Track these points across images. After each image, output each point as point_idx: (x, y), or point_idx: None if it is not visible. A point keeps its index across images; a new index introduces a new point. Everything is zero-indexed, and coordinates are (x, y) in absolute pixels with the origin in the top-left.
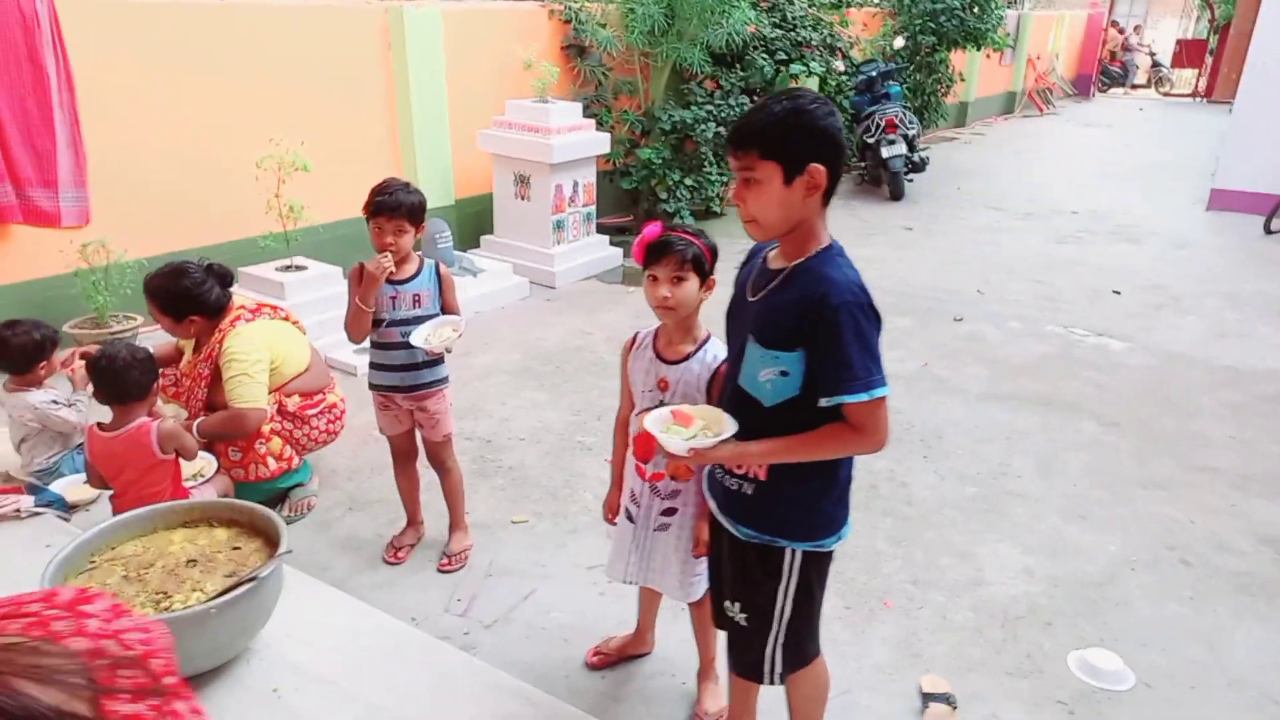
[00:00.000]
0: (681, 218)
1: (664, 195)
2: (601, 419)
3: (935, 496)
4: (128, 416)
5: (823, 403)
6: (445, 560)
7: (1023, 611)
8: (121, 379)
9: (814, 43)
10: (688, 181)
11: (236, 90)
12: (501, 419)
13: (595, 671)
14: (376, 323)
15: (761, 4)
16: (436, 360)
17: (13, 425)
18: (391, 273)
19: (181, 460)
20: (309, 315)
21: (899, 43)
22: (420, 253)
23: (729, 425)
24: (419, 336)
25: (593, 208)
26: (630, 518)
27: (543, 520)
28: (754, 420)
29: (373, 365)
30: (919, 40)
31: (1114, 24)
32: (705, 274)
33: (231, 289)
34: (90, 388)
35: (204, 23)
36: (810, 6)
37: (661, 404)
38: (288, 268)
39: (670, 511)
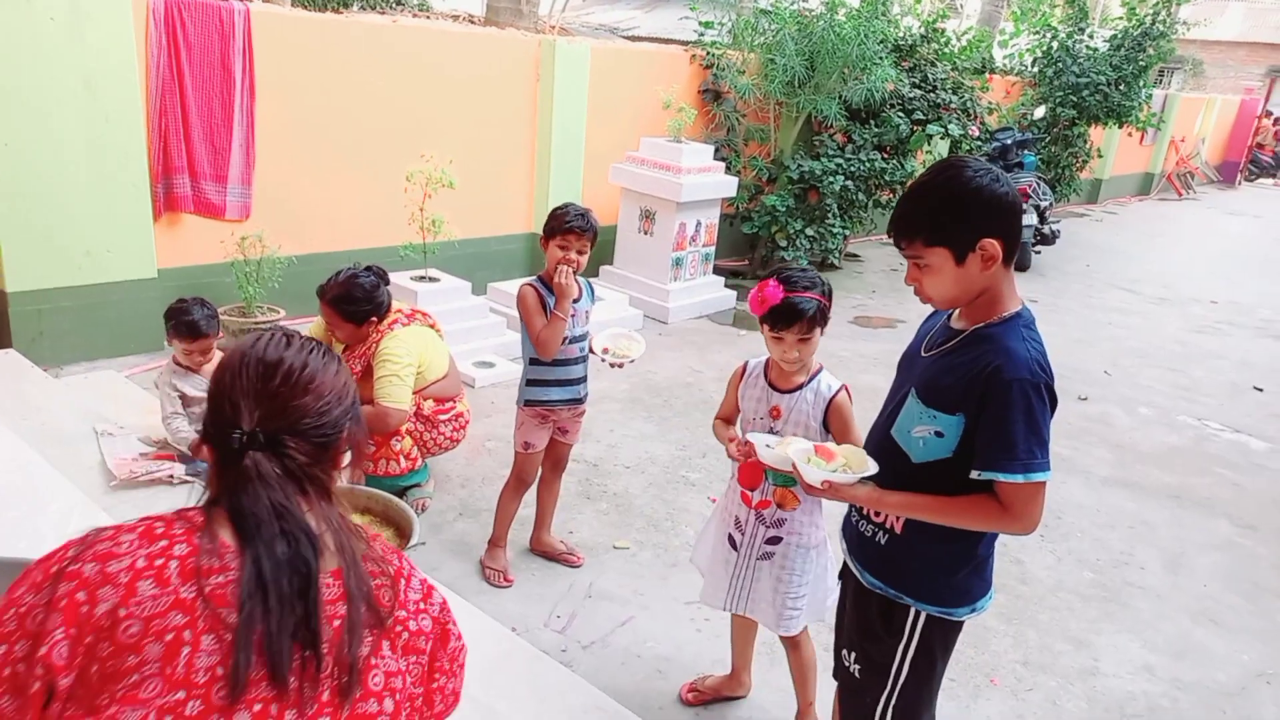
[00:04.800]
0: None
1: (783, 243)
2: (706, 456)
3: (1052, 578)
4: None
5: (974, 474)
6: (575, 557)
7: (1141, 710)
8: None
9: (953, 105)
10: (809, 231)
11: (394, 106)
12: (609, 445)
13: (689, 708)
14: None
15: (903, 64)
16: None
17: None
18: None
19: None
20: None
21: (1040, 112)
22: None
23: (870, 466)
24: (601, 343)
25: (712, 249)
26: (733, 545)
27: (644, 549)
28: (899, 473)
29: (543, 382)
30: (1058, 113)
31: (1268, 113)
32: (827, 320)
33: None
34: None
35: (374, 40)
36: (953, 70)
37: (772, 430)
38: (422, 278)
39: (775, 540)
